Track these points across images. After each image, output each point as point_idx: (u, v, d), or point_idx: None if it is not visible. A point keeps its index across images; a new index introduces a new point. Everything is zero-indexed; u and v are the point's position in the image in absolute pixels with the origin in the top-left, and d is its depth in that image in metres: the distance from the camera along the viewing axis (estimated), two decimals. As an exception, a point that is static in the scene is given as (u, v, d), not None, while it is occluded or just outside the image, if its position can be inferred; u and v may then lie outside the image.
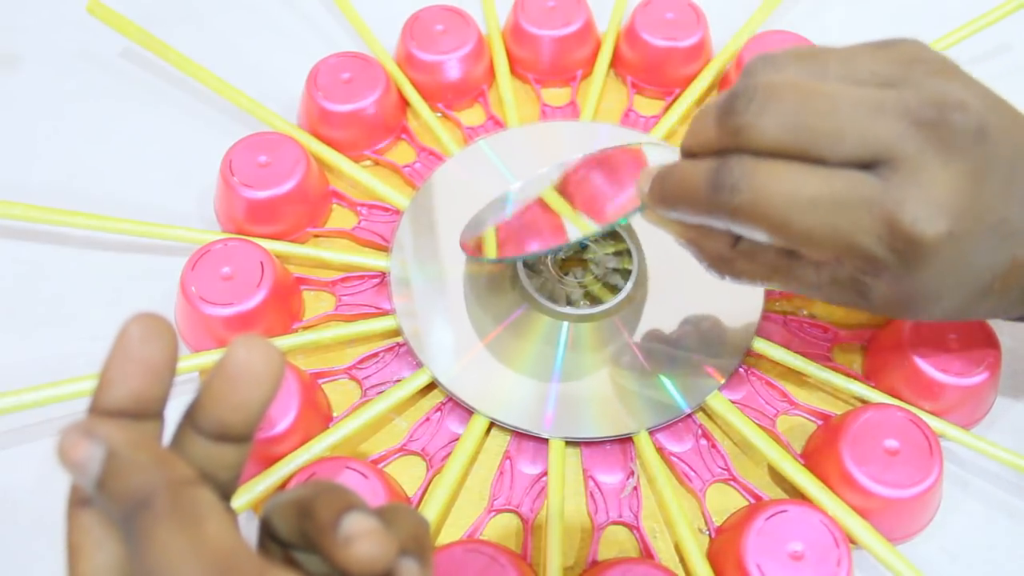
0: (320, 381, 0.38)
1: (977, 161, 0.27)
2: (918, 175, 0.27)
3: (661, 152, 0.34)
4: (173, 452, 0.21)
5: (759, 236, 0.28)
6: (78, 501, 0.21)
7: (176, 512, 0.19)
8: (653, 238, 0.39)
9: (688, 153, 0.30)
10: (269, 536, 0.23)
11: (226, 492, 0.22)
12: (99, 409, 0.21)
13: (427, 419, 0.37)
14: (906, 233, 0.27)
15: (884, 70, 0.28)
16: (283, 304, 0.38)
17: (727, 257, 0.31)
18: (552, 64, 0.47)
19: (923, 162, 0.27)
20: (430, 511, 0.34)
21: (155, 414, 0.21)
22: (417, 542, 0.22)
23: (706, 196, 0.28)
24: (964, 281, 0.29)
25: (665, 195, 0.30)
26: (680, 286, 0.39)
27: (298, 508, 0.22)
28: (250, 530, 0.35)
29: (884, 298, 0.29)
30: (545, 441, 0.36)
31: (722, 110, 0.28)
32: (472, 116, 0.47)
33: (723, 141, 0.28)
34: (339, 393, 0.38)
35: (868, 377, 0.38)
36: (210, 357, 0.37)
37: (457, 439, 0.36)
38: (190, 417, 0.22)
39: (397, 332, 0.39)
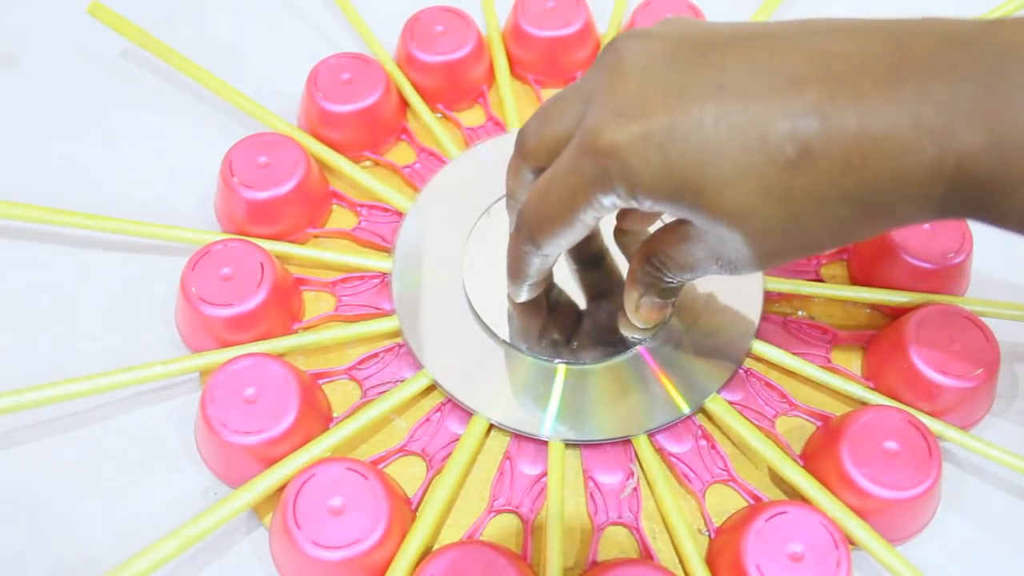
0: (320, 382, 0.38)
1: (619, 61, 0.28)
2: (591, 106, 0.29)
3: None
4: None
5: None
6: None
7: None
8: None
9: None
10: None
11: None
12: None
13: (427, 420, 0.37)
14: (605, 147, 0.27)
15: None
16: (283, 305, 0.38)
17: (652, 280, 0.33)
18: (552, 65, 0.47)
19: (594, 90, 0.29)
20: (430, 512, 0.34)
21: None
22: None
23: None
24: (735, 162, 0.26)
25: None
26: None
27: None
28: (249, 534, 0.35)
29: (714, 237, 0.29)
30: (545, 441, 0.36)
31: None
32: (472, 117, 0.47)
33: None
34: (339, 394, 0.38)
35: (867, 378, 0.38)
36: (210, 357, 0.37)
37: (457, 440, 0.36)
38: None
39: (397, 333, 0.39)
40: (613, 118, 0.27)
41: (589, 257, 0.40)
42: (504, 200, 0.35)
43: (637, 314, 0.34)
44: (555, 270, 0.39)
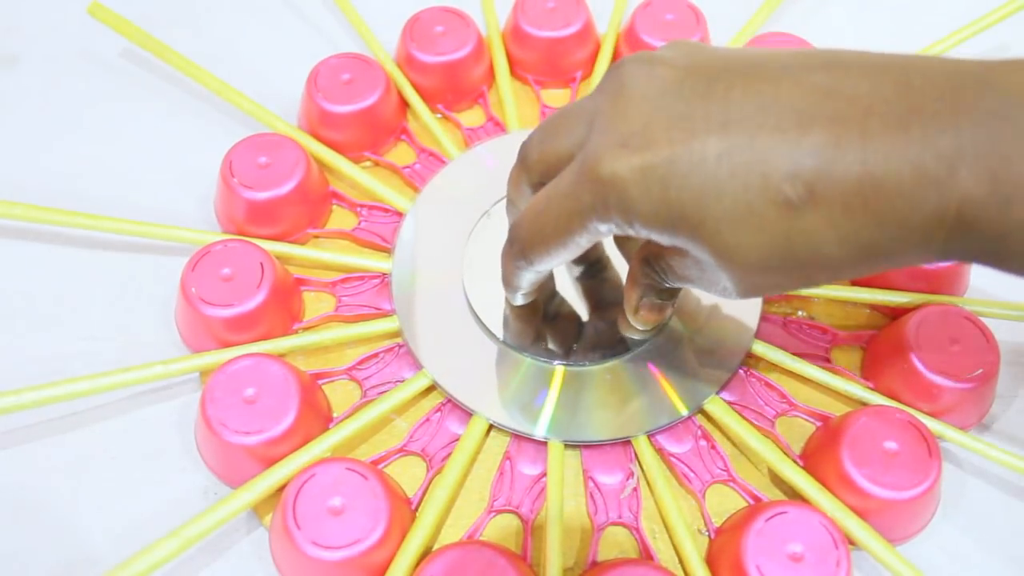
0: (320, 382, 0.38)
1: (623, 88, 0.28)
2: (594, 130, 0.29)
3: None
4: None
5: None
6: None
7: None
8: None
9: None
10: None
11: None
12: None
13: (427, 420, 0.37)
14: (606, 177, 0.27)
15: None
16: (283, 305, 0.38)
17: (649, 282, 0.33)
18: (552, 65, 0.47)
19: (597, 113, 0.29)
20: (430, 512, 0.34)
21: None
22: None
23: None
24: (736, 203, 0.26)
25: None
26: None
27: None
28: (249, 534, 0.35)
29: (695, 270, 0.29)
30: (545, 441, 0.36)
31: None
32: (472, 117, 0.47)
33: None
34: (339, 394, 0.38)
35: (867, 378, 0.38)
36: (210, 358, 0.37)
37: (457, 440, 0.36)
38: None
39: (397, 333, 0.39)
40: (615, 148, 0.27)
41: (590, 264, 0.40)
42: (504, 201, 0.35)
43: (636, 316, 0.34)
44: (556, 277, 0.39)
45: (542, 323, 0.38)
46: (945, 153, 0.24)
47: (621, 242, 0.39)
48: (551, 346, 0.38)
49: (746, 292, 0.29)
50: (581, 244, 0.30)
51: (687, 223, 0.27)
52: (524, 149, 0.33)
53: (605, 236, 0.30)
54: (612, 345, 0.38)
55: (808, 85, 0.26)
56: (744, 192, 0.26)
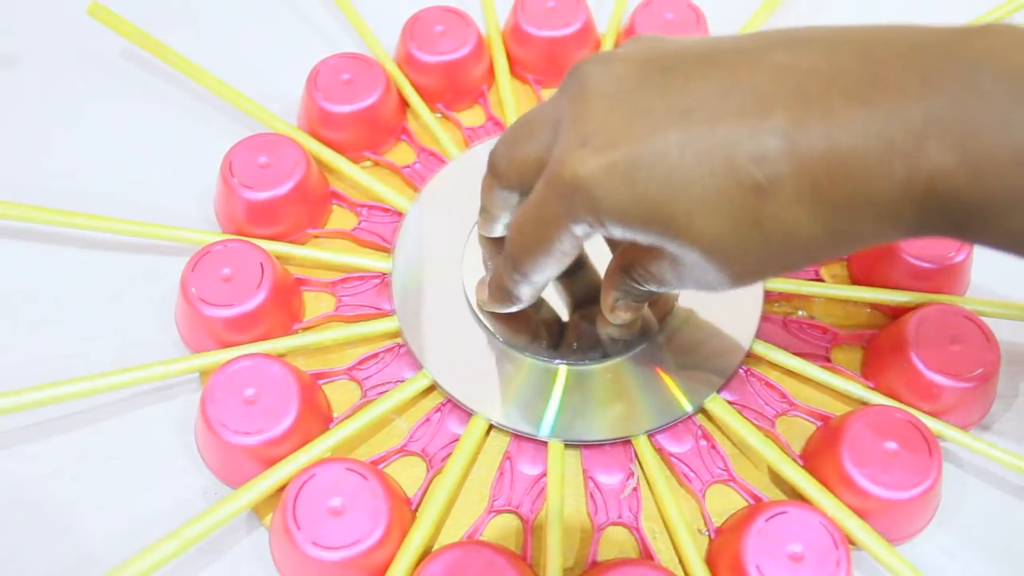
0: (320, 382, 0.38)
1: (583, 94, 0.28)
2: (559, 134, 0.29)
3: None
4: None
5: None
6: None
7: None
8: None
9: None
10: None
11: None
12: None
13: (427, 420, 0.37)
14: (569, 179, 0.27)
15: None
16: (283, 305, 0.38)
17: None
18: (552, 65, 0.47)
19: (561, 117, 0.29)
20: (430, 512, 0.34)
21: None
22: None
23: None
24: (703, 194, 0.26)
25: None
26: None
27: None
28: (249, 534, 0.35)
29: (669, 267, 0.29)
30: (545, 442, 0.36)
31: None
32: (472, 117, 0.47)
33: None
34: (339, 394, 0.38)
35: (867, 378, 0.38)
36: (210, 358, 0.37)
37: (457, 440, 0.36)
38: None
39: (397, 333, 0.39)
40: (577, 149, 0.27)
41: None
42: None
43: (613, 314, 0.34)
44: None
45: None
46: (912, 125, 0.24)
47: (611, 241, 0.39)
48: (543, 341, 0.38)
49: (729, 281, 0.28)
50: (565, 251, 0.30)
51: (659, 217, 0.27)
52: (492, 158, 0.33)
53: (585, 239, 0.30)
54: (594, 342, 0.37)
55: (766, 65, 0.26)
56: (712, 179, 0.26)
